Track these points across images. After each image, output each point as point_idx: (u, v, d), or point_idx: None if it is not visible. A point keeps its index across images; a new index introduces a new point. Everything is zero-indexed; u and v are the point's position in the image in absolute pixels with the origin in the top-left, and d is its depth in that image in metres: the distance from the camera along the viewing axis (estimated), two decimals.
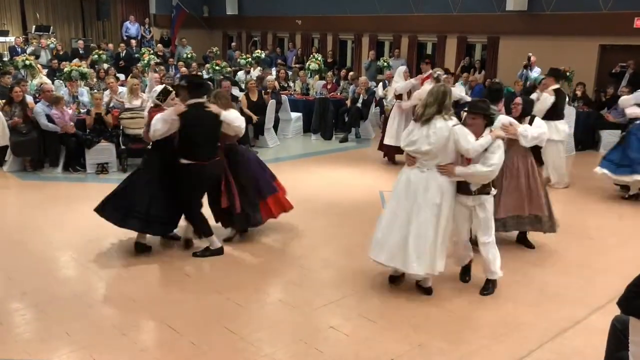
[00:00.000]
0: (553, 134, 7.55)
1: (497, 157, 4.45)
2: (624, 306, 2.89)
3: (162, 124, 5.23)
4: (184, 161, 5.34)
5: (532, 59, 11.59)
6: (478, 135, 4.46)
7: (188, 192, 5.50)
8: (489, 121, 4.58)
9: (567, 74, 11.42)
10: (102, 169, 8.67)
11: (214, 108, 5.45)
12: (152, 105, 5.71)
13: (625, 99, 8.01)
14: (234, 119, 5.57)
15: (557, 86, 8.04)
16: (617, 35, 11.71)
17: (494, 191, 4.68)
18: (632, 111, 7.71)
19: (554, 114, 7.77)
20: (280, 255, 5.81)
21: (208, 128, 5.43)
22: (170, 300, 4.70)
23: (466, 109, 4.68)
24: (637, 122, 7.61)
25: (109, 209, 5.47)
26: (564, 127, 8.10)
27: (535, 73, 11.45)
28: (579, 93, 11.40)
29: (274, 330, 4.28)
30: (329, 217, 6.84)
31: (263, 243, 6.06)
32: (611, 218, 6.98)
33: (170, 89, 5.68)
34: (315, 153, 10.66)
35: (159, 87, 5.88)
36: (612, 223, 6.77)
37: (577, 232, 6.14)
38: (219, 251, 5.63)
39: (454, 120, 4.47)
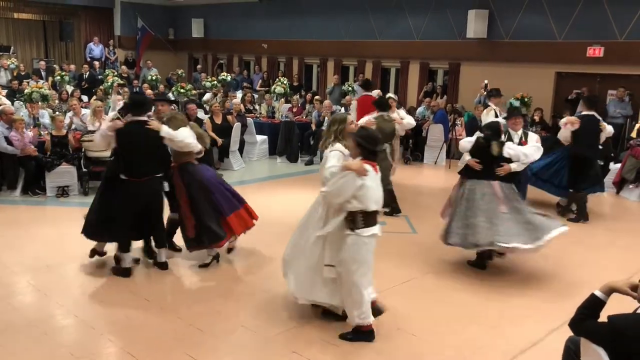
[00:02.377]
0: None
1: (336, 182, 4.21)
2: (574, 327, 2.99)
3: (100, 138, 5.57)
4: (121, 176, 5.48)
5: (488, 86, 11.95)
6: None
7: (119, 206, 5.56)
8: (366, 153, 4.29)
9: (526, 99, 11.83)
10: (63, 192, 8.51)
11: (153, 124, 5.46)
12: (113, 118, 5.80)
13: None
14: (175, 135, 5.48)
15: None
16: (572, 63, 12.17)
17: (364, 231, 4.25)
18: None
19: None
20: (244, 280, 5.78)
21: (145, 145, 5.46)
22: (130, 326, 4.62)
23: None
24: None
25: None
26: None
27: None
28: (536, 118, 11.78)
29: (236, 356, 4.24)
30: None
31: (226, 267, 6.02)
32: (567, 240, 7.16)
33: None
34: (280, 176, 10.70)
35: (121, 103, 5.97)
36: (568, 244, 6.94)
37: (534, 254, 6.28)
38: (125, 272, 5.61)
39: (336, 146, 4.51)
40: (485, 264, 6.01)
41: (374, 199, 4.27)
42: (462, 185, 5.95)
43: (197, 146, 5.73)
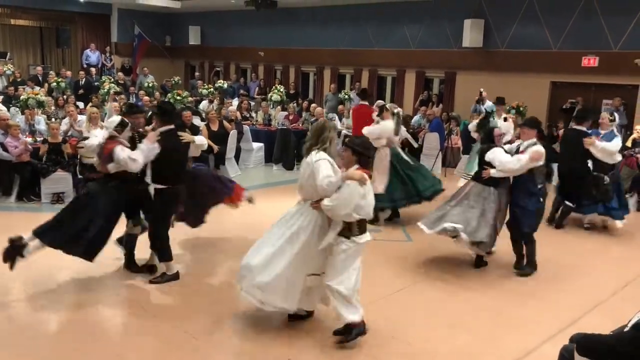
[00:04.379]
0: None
1: (341, 194, 4.20)
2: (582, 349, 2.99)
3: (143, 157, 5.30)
4: (158, 186, 5.42)
5: (484, 93, 12.01)
6: (348, 169, 4.35)
7: (160, 215, 5.59)
8: (364, 160, 4.39)
9: (521, 108, 11.88)
10: (58, 198, 8.49)
11: (186, 136, 5.71)
12: (107, 136, 5.59)
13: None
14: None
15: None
16: (567, 72, 12.26)
17: (361, 238, 4.34)
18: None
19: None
20: (235, 288, 5.76)
21: (181, 153, 5.66)
22: (126, 333, 4.61)
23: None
24: None
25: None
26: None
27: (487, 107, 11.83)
28: None
29: None
30: None
31: (221, 273, 6.02)
32: (562, 249, 7.19)
33: (127, 121, 5.61)
34: (276, 183, 10.70)
35: (116, 118, 5.79)
36: (563, 254, 6.97)
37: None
38: (175, 276, 5.67)
39: (321, 154, 4.35)
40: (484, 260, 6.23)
41: (372, 206, 4.32)
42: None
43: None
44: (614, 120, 7.97)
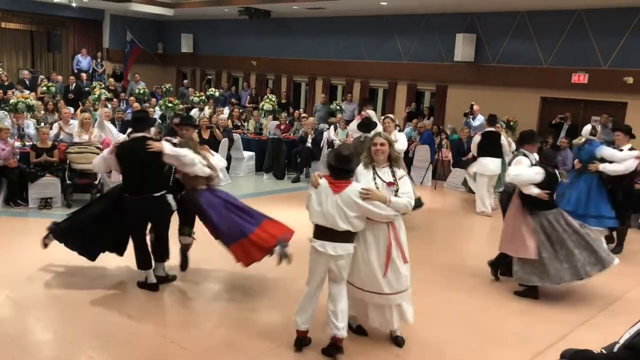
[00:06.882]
0: (479, 168, 9.51)
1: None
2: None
3: (99, 161, 5.68)
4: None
5: (475, 107, 12.10)
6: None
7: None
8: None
9: (511, 123, 11.98)
10: (46, 203, 8.39)
11: (154, 145, 5.26)
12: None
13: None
14: (179, 151, 5.36)
15: (489, 129, 9.63)
16: (557, 88, 12.39)
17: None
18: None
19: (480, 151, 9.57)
20: (225, 297, 5.71)
21: (143, 163, 5.32)
22: (111, 342, 4.53)
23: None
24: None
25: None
26: (490, 165, 9.46)
27: (478, 121, 11.94)
28: None
29: None
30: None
31: (208, 284, 5.96)
32: None
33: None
34: (267, 192, 10.67)
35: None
36: None
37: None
38: (153, 287, 5.56)
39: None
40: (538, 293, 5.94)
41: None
42: (536, 218, 5.78)
43: (204, 169, 5.48)
44: (633, 137, 7.77)
